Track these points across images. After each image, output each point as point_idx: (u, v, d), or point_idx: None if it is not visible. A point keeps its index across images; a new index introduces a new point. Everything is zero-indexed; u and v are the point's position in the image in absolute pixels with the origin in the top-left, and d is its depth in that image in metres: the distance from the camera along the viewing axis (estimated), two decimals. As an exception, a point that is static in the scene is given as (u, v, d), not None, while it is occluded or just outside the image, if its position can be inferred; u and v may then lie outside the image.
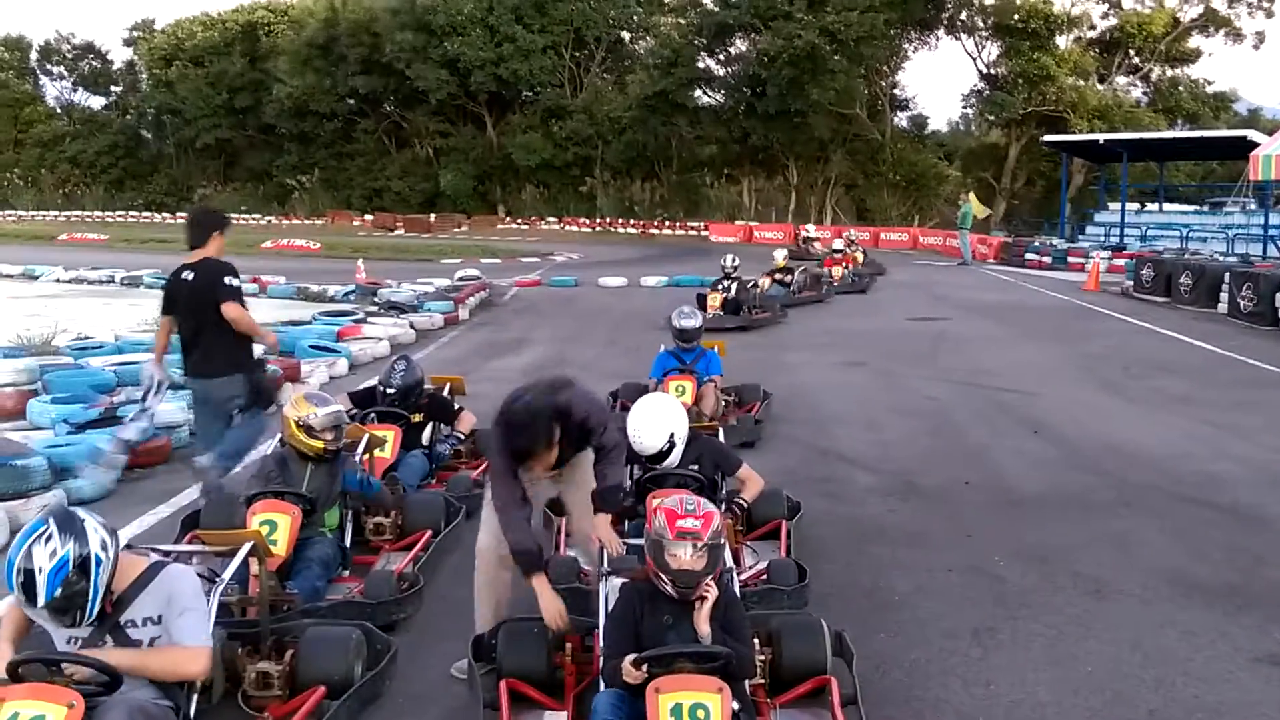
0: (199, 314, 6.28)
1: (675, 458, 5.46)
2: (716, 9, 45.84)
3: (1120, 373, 12.16)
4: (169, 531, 5.85)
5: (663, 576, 3.72)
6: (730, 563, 4.30)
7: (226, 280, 6.25)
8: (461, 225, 47.46)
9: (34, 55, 66.48)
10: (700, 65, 45.99)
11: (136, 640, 3.53)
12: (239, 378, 6.36)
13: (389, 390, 7.27)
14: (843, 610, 4.98)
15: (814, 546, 5.87)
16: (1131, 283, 21.78)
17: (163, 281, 6.59)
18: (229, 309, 6.19)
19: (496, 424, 4.30)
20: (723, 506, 5.38)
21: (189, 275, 6.34)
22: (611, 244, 39.40)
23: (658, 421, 5.42)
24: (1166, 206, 37.39)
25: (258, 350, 6.94)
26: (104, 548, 3.40)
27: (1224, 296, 17.57)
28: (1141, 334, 15.64)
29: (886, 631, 4.88)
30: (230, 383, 6.33)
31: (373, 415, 7.08)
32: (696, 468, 5.51)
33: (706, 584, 3.73)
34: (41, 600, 3.32)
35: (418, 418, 7.27)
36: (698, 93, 46.66)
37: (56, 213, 55.94)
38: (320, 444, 5.49)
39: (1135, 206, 35.58)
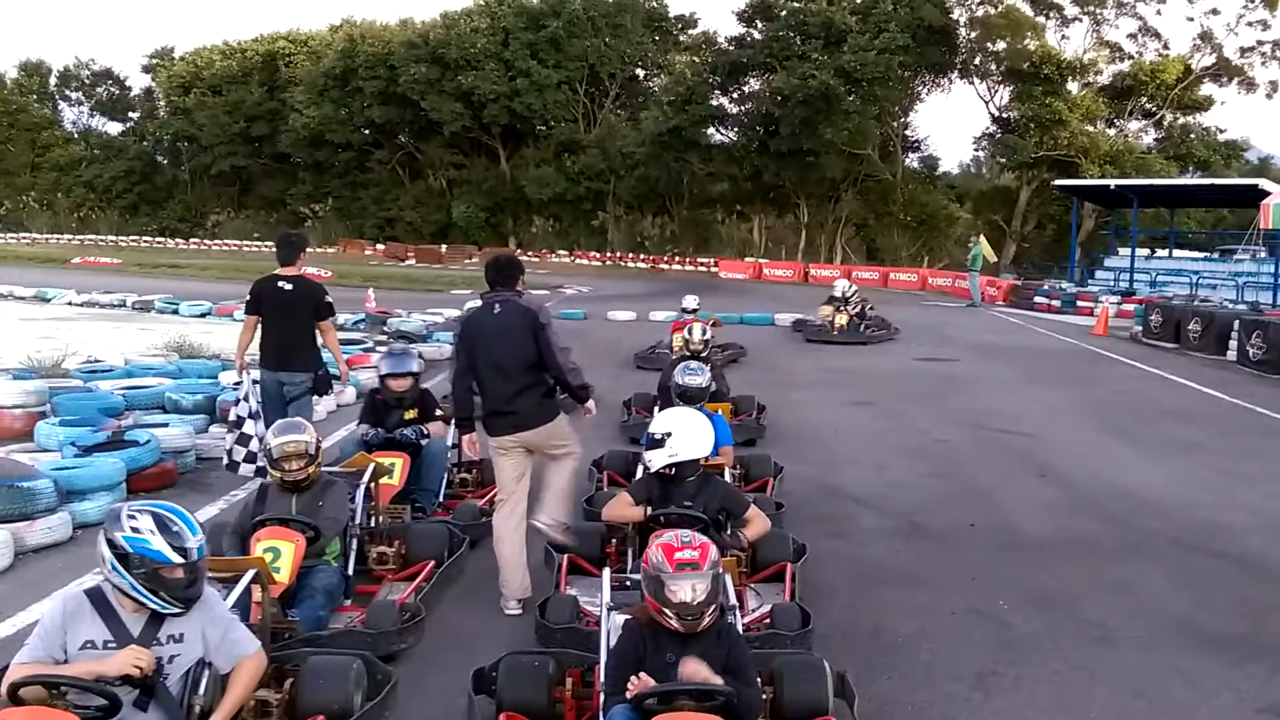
0: (294, 320, 7.53)
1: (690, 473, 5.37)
2: (731, 48, 46.34)
3: (1128, 418, 12.13)
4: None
5: (666, 612, 3.71)
6: (734, 600, 4.28)
7: (328, 300, 7.70)
8: (473, 256, 47.63)
9: (53, 80, 67.35)
10: (714, 103, 46.31)
11: (158, 656, 3.54)
12: (310, 374, 7.60)
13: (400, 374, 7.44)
14: (845, 651, 4.95)
15: (818, 586, 5.84)
16: (1140, 328, 21.77)
17: (252, 285, 7.74)
18: (327, 326, 7.71)
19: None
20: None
21: (287, 285, 7.48)
22: (621, 278, 39.55)
23: (701, 434, 5.37)
24: (1176, 253, 37.39)
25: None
26: None
27: (1233, 344, 17.53)
28: (1150, 380, 15.61)
29: (889, 673, 4.85)
30: (305, 377, 7.58)
31: (379, 442, 7.07)
32: (690, 504, 5.42)
33: (709, 616, 3.71)
34: (195, 555, 3.62)
35: (411, 414, 7.37)
36: (711, 130, 46.96)
37: (70, 236, 56.47)
38: (279, 474, 5.46)
39: (1145, 252, 35.59)
